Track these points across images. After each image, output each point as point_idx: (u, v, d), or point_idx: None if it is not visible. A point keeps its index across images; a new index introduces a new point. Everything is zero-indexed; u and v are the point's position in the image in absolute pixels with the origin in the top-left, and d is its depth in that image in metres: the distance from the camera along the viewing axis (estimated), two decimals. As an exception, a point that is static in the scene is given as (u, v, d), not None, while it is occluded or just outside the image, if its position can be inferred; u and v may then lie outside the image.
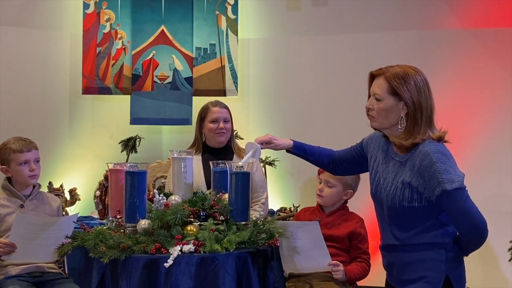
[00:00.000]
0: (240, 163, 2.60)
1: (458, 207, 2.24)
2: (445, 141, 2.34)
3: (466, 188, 2.25)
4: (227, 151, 3.52)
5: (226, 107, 3.56)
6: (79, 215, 3.66)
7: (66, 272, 3.25)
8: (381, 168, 2.46)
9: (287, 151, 2.80)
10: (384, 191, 2.40)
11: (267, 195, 3.60)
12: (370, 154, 2.56)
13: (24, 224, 2.71)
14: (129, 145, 4.38)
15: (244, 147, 3.63)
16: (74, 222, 2.69)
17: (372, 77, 2.43)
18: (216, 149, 3.52)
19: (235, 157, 3.49)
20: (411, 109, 2.30)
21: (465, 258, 2.48)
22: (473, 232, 2.28)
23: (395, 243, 2.39)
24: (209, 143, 3.54)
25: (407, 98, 2.30)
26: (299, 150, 2.78)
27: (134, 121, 4.58)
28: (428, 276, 2.32)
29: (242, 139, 4.34)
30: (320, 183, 3.19)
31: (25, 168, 3.00)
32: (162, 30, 4.61)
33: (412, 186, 2.30)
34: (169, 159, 3.92)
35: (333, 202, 3.17)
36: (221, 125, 3.48)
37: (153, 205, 2.58)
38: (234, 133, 4.30)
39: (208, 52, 4.62)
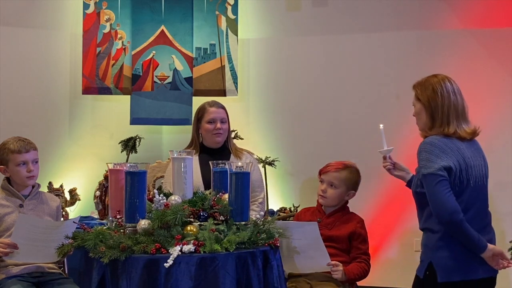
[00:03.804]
0: (239, 163, 2.61)
1: (429, 191, 2.49)
2: (460, 137, 2.60)
3: (443, 177, 2.47)
4: (224, 151, 3.52)
5: (223, 107, 3.55)
6: (78, 215, 3.67)
7: (66, 272, 3.25)
8: None
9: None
10: None
11: (264, 195, 3.59)
12: None
13: (27, 225, 2.71)
14: (129, 145, 4.37)
15: (241, 147, 3.65)
16: (75, 222, 2.69)
17: None
18: (213, 149, 3.51)
19: (232, 157, 3.48)
20: (428, 111, 2.63)
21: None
22: (438, 216, 2.48)
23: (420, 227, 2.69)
24: (206, 143, 3.53)
25: (424, 101, 2.64)
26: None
27: (134, 121, 4.58)
28: (422, 259, 2.62)
29: (242, 139, 4.34)
30: (322, 183, 3.18)
31: (23, 169, 2.99)
32: (162, 30, 4.61)
33: (417, 173, 2.61)
34: (169, 159, 3.92)
35: (336, 203, 3.16)
36: (218, 125, 3.47)
37: (153, 205, 2.58)
38: (234, 133, 4.31)
39: (208, 52, 4.63)
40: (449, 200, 2.45)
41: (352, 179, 3.13)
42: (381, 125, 2.97)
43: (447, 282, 2.49)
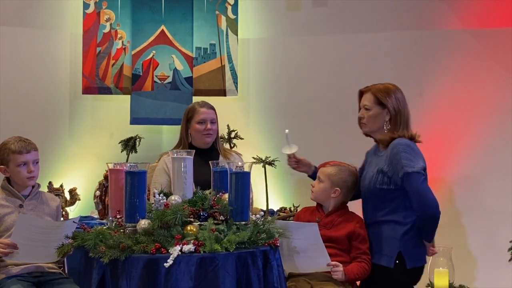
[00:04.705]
0: (239, 163, 2.61)
1: (415, 187, 2.82)
2: (416, 141, 2.97)
3: (425, 176, 2.85)
4: (213, 152, 3.52)
5: (213, 108, 3.56)
6: (78, 215, 3.67)
7: (66, 272, 3.26)
8: (369, 164, 3.13)
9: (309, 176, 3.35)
10: (366, 178, 3.06)
11: (252, 195, 3.58)
12: (368, 161, 3.20)
13: (27, 225, 2.70)
14: (129, 145, 4.37)
15: (235, 149, 3.64)
16: (75, 222, 2.69)
17: (361, 93, 3.11)
18: (201, 149, 3.50)
19: (220, 158, 3.49)
20: (392, 115, 2.99)
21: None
22: (424, 210, 2.82)
23: (370, 220, 3.02)
24: (195, 143, 3.52)
25: (389, 106, 2.99)
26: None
27: (134, 121, 4.58)
28: (385, 249, 2.93)
29: (242, 139, 4.34)
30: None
31: (24, 169, 2.99)
32: (162, 30, 4.61)
33: (384, 172, 2.94)
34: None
35: (322, 198, 3.16)
36: (208, 126, 3.47)
37: (153, 205, 2.58)
38: (234, 133, 4.32)
39: (208, 52, 4.62)
40: (433, 196, 2.83)
41: (337, 175, 3.12)
42: (286, 130, 3.32)
43: (414, 268, 2.91)
